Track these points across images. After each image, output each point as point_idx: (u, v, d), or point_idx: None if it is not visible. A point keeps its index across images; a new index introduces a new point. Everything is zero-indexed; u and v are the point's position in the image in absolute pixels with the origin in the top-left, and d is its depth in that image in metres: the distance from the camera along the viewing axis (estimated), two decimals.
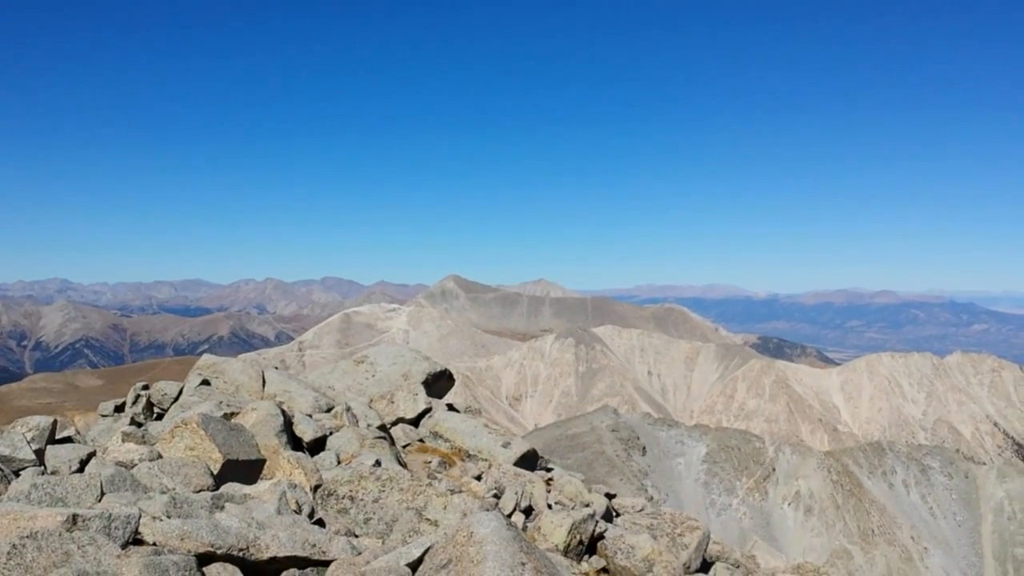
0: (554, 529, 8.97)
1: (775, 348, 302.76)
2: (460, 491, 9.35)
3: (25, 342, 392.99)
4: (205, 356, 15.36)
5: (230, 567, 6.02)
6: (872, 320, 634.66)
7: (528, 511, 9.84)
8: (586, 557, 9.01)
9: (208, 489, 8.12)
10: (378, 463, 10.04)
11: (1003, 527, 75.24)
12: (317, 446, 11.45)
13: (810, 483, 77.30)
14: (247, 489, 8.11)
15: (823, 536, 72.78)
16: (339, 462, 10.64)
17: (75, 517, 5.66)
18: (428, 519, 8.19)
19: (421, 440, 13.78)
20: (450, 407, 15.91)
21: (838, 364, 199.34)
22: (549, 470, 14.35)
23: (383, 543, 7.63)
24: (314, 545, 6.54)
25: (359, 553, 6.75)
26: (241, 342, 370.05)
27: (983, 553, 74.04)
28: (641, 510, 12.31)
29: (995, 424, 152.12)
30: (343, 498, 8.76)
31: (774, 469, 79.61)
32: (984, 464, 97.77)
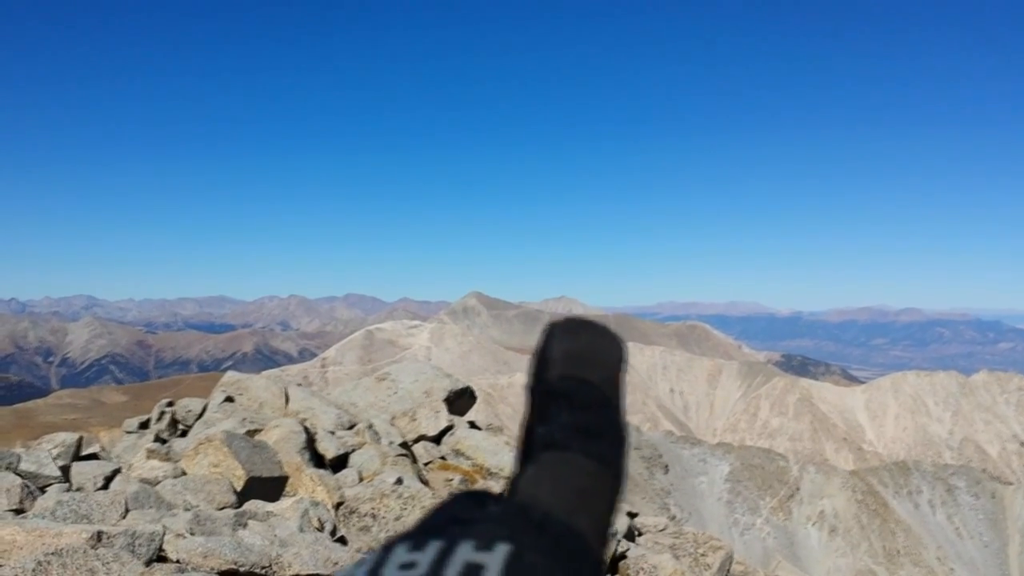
0: None
1: (799, 366, 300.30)
2: None
3: (51, 358, 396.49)
4: (229, 373, 15.40)
5: None
6: (897, 338, 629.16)
7: None
8: None
9: (231, 506, 8.17)
10: (400, 481, 10.05)
11: None
12: (339, 463, 11.47)
13: (835, 503, 76.49)
14: (270, 506, 8.14)
15: (848, 557, 71.96)
16: (361, 479, 10.65)
17: (100, 534, 5.72)
18: None
19: (443, 458, 13.78)
20: (472, 424, 15.90)
21: (863, 382, 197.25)
22: None
23: None
24: (336, 563, 6.56)
25: None
26: (265, 359, 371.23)
27: (1010, 575, 72.95)
28: (663, 529, 12.24)
29: (1022, 443, 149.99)
30: (365, 516, 8.76)
31: (798, 488, 78.84)
32: (1011, 484, 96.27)
